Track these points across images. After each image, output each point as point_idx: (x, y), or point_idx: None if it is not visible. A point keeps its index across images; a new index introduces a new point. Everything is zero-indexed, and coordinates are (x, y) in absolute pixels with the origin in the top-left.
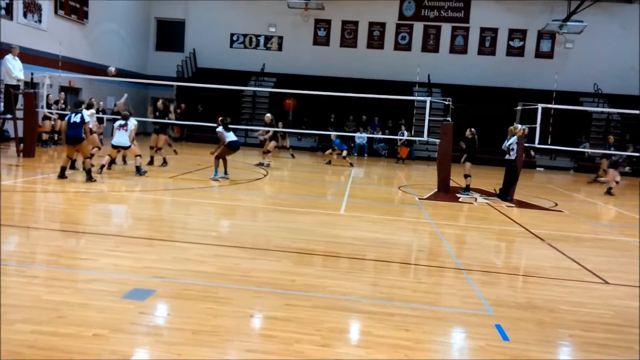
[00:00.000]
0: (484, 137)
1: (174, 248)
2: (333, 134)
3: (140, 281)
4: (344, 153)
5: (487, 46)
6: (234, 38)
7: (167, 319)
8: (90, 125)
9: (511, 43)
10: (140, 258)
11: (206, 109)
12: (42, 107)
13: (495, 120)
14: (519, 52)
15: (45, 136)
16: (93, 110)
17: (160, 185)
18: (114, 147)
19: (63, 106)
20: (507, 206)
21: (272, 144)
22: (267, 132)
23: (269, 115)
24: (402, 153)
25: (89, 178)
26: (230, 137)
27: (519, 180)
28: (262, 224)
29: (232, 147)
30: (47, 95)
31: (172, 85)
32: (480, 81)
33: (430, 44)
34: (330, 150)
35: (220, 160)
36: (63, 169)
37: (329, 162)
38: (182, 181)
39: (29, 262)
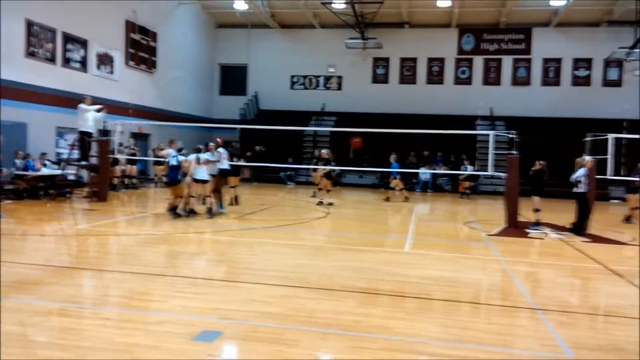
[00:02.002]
0: (552, 169)
1: (240, 289)
2: (393, 157)
3: (208, 322)
4: (398, 184)
5: (551, 77)
6: (294, 80)
7: None
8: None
9: (576, 72)
10: (207, 299)
11: (269, 150)
12: (114, 154)
13: (563, 152)
14: (585, 81)
15: (115, 180)
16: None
17: (226, 226)
18: (196, 181)
19: (133, 151)
20: (582, 241)
21: (328, 182)
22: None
23: (324, 151)
24: (461, 188)
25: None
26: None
27: (594, 213)
28: (326, 263)
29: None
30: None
31: (235, 128)
32: (546, 112)
33: (492, 77)
34: (392, 182)
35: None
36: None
37: (387, 199)
38: (247, 221)
39: (102, 304)
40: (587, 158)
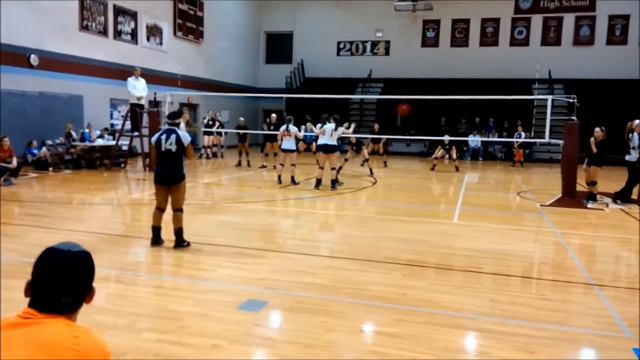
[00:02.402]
0: (615, 136)
1: (286, 259)
2: (447, 138)
3: (254, 292)
4: (454, 155)
5: (617, 35)
6: (341, 46)
7: (280, 332)
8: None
9: None
10: (254, 269)
11: (315, 119)
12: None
13: (628, 118)
14: None
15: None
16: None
17: (272, 196)
18: (284, 150)
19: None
20: None
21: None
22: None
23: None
24: (518, 156)
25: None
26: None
27: None
28: (372, 234)
29: None
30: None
31: (281, 97)
32: (610, 74)
33: (551, 37)
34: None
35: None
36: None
37: (433, 168)
38: (293, 191)
39: (155, 273)
40: (637, 122)
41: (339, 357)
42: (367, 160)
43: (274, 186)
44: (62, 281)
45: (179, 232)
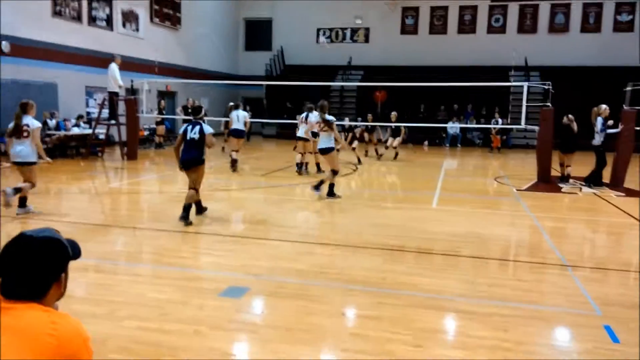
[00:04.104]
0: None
1: (267, 246)
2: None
3: (235, 279)
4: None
5: (591, 23)
6: (321, 33)
7: (262, 317)
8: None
9: (618, 17)
10: (234, 256)
11: (296, 106)
12: (142, 113)
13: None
14: (628, 27)
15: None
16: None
17: (252, 183)
18: (299, 139)
19: (164, 111)
20: (616, 195)
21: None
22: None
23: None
24: (495, 142)
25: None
26: None
27: (633, 167)
28: (352, 220)
29: None
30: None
31: (261, 85)
32: (584, 61)
33: (527, 25)
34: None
35: None
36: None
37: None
38: (273, 179)
39: (134, 261)
40: (603, 107)
41: (320, 340)
42: (354, 148)
43: (254, 174)
44: (20, 267)
45: (188, 206)
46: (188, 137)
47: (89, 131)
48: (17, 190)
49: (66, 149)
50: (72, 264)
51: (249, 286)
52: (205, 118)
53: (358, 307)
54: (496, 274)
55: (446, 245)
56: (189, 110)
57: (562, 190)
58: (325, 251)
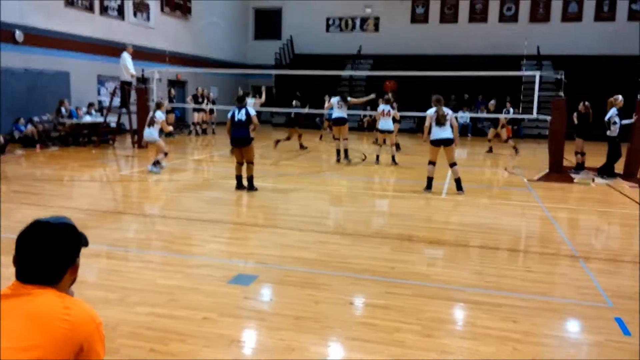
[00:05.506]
0: (602, 112)
1: (275, 234)
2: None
3: (244, 267)
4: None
5: (605, 11)
6: (330, 22)
7: (270, 305)
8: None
9: (633, 6)
10: (244, 244)
11: (304, 95)
12: (153, 101)
13: (615, 93)
14: None
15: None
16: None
17: (261, 172)
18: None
19: (174, 100)
20: (630, 187)
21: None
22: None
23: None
24: (507, 132)
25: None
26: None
27: None
28: (361, 209)
29: None
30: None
31: (270, 74)
32: (597, 50)
33: (540, 13)
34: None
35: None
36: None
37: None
38: (282, 167)
39: (145, 248)
40: (620, 97)
41: (328, 328)
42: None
43: (264, 163)
44: (37, 252)
45: (250, 179)
46: (236, 119)
47: (101, 119)
48: (156, 162)
49: (78, 136)
50: (85, 251)
51: (257, 274)
52: (215, 107)
53: (366, 297)
54: (506, 264)
55: (456, 236)
56: (199, 100)
57: (575, 181)
58: (333, 240)
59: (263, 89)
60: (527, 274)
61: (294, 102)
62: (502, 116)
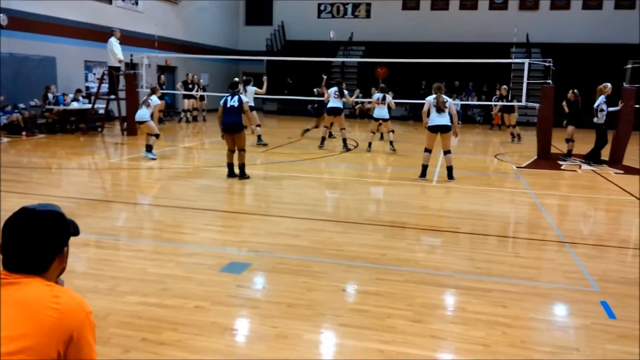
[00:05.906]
0: (589, 99)
1: (268, 222)
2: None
3: (236, 255)
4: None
5: None
6: (322, 8)
7: (262, 292)
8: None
9: None
10: (236, 232)
11: (295, 81)
12: (142, 87)
13: (602, 81)
14: (629, 4)
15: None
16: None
17: (253, 160)
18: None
19: (164, 86)
20: (615, 173)
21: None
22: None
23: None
24: (496, 120)
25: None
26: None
27: (632, 144)
28: (353, 196)
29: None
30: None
31: (262, 60)
32: (585, 38)
33: (530, 1)
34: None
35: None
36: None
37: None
38: (274, 155)
39: (135, 237)
40: (609, 85)
41: (320, 315)
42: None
43: (256, 151)
44: (23, 240)
45: (242, 166)
46: (228, 105)
47: (89, 106)
48: (149, 147)
49: (66, 123)
50: (73, 240)
51: (250, 262)
52: (206, 94)
53: (358, 283)
54: (495, 250)
55: (446, 222)
56: (189, 86)
57: (562, 167)
58: (326, 227)
59: (264, 79)
60: (516, 260)
61: (315, 90)
62: (492, 103)
